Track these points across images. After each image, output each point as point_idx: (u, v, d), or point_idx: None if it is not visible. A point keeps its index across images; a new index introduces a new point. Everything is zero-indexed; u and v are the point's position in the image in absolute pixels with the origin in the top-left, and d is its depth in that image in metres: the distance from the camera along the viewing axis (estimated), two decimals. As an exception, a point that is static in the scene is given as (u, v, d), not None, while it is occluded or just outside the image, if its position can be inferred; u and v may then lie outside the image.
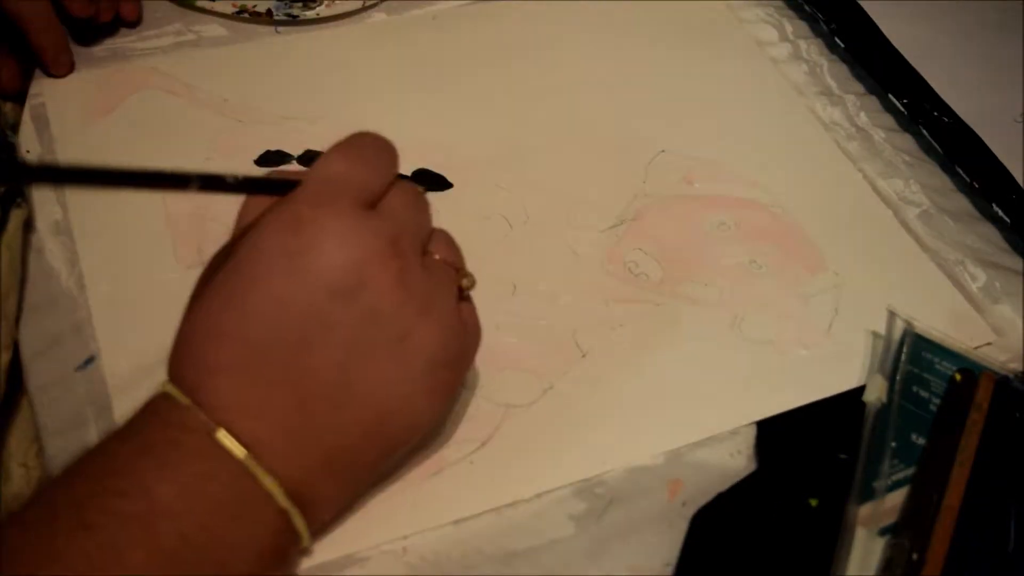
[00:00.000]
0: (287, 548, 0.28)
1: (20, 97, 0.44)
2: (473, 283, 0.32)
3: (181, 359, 0.28)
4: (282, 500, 0.26)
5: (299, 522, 0.27)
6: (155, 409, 0.27)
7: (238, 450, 0.26)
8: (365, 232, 0.27)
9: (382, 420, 0.29)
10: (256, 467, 0.26)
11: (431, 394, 0.30)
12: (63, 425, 0.33)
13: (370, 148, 0.30)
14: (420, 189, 0.31)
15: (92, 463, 0.26)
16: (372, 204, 0.29)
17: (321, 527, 0.30)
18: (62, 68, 0.45)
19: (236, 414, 0.26)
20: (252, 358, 0.27)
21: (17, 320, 0.36)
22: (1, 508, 0.31)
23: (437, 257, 0.31)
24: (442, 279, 0.30)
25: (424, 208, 0.31)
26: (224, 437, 0.26)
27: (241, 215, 0.30)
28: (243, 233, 0.28)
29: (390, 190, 0.29)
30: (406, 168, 0.43)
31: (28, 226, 0.39)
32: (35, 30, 0.43)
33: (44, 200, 0.40)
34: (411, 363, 0.29)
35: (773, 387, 0.37)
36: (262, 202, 0.29)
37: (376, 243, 0.27)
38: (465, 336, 0.31)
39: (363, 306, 0.27)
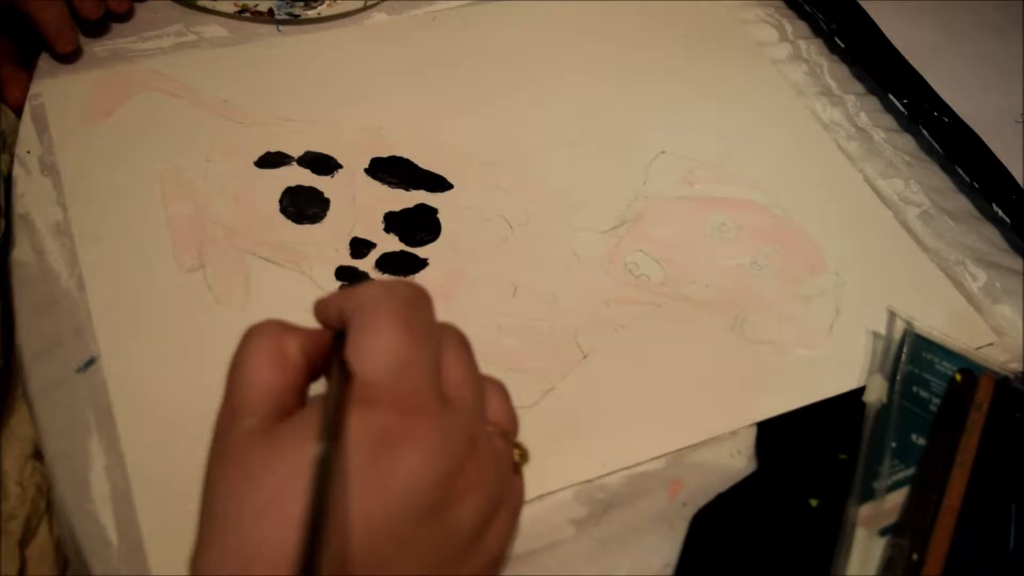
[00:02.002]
0: None
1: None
2: (526, 457, 0.28)
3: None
4: None
5: None
6: None
7: None
8: (449, 435, 0.24)
9: None
10: None
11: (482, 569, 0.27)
12: (64, 427, 0.33)
13: (420, 308, 0.26)
14: (466, 339, 0.28)
15: None
16: (440, 386, 0.25)
17: None
18: (67, 44, 0.44)
19: None
20: None
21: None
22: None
23: (491, 429, 0.27)
24: (507, 464, 0.27)
25: (472, 357, 0.27)
26: None
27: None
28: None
29: (448, 357, 0.26)
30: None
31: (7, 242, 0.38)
32: (37, 6, 0.43)
33: (45, 201, 0.40)
34: (479, 561, 0.26)
35: (774, 388, 0.37)
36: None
37: (459, 445, 0.24)
38: (519, 513, 0.29)
39: (446, 521, 0.25)
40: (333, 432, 0.23)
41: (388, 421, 0.24)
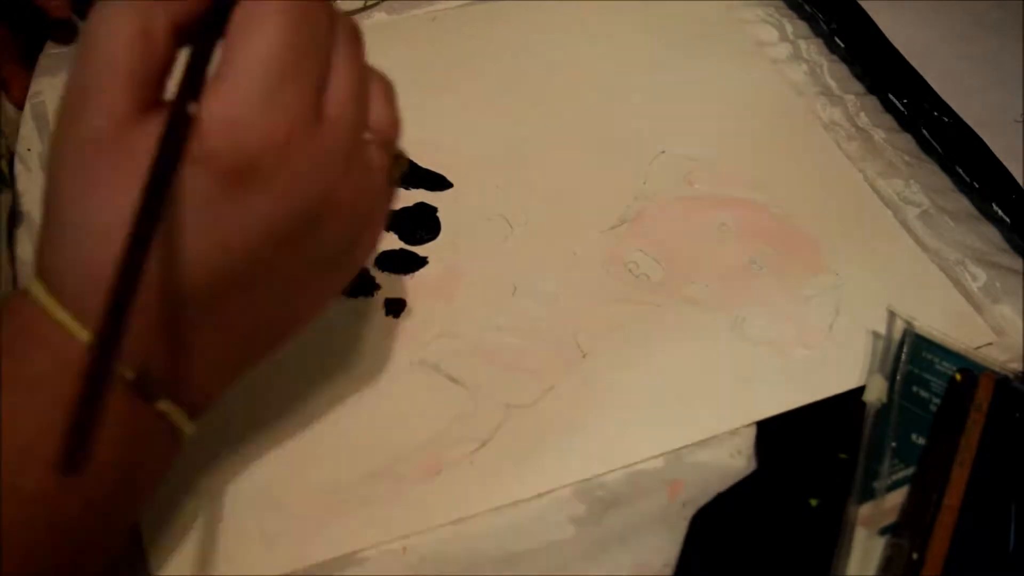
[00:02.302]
0: (176, 445, 0.26)
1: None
2: (404, 166, 0.28)
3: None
4: (180, 419, 0.25)
5: (188, 427, 0.26)
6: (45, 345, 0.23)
7: (152, 395, 0.24)
8: (321, 159, 0.23)
9: (289, 331, 0.27)
10: (174, 412, 0.24)
11: (331, 287, 0.28)
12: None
13: (313, 16, 0.23)
14: (360, 36, 0.26)
15: None
16: (321, 103, 0.23)
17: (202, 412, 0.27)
18: (60, 10, 0.43)
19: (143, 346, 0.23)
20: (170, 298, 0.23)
21: None
22: None
23: (369, 137, 0.26)
24: (379, 176, 0.26)
25: (362, 55, 0.25)
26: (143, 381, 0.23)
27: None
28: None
29: (335, 66, 0.24)
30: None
31: (14, 219, 0.38)
32: None
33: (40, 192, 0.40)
34: (344, 274, 0.27)
35: (774, 387, 0.37)
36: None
37: (329, 175, 0.24)
38: (385, 221, 0.28)
39: (311, 244, 0.24)
40: (168, 166, 0.20)
41: (251, 150, 0.22)
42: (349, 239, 0.26)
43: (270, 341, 0.27)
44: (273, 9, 0.22)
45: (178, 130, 0.21)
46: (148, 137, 0.21)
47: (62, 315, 0.23)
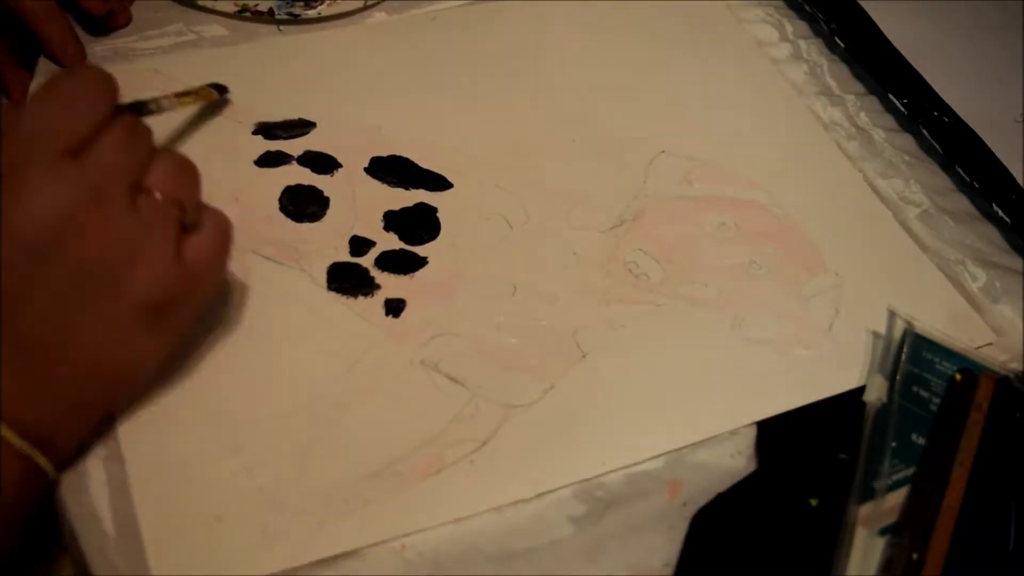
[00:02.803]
0: (35, 484, 0.29)
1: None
2: (195, 220, 0.31)
3: None
4: (20, 444, 0.28)
5: (42, 460, 0.29)
6: None
7: None
8: (64, 184, 0.27)
9: (102, 364, 0.30)
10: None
11: (152, 333, 0.30)
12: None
13: (78, 89, 0.29)
14: (136, 120, 0.31)
15: None
16: (78, 150, 0.28)
17: (68, 457, 0.31)
18: (72, 58, 0.45)
19: None
20: None
21: None
22: None
23: (157, 195, 0.30)
24: (156, 219, 0.30)
25: (140, 142, 0.31)
26: None
27: None
28: None
29: (102, 130, 0.29)
30: (407, 166, 0.43)
31: None
32: (39, 21, 0.43)
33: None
34: (124, 308, 0.29)
35: (774, 388, 0.37)
36: None
37: (76, 194, 0.28)
38: (186, 274, 0.31)
39: (67, 261, 0.28)
40: None
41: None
42: (111, 259, 0.29)
43: (90, 370, 0.30)
44: (47, 88, 0.29)
45: None
46: None
47: None
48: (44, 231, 0.27)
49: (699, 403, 0.36)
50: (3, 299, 0.27)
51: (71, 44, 0.44)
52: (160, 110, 0.36)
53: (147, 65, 0.46)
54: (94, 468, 0.32)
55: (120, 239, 0.29)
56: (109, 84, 0.30)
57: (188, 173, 0.32)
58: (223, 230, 0.33)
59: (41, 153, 0.27)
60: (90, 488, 0.32)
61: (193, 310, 0.32)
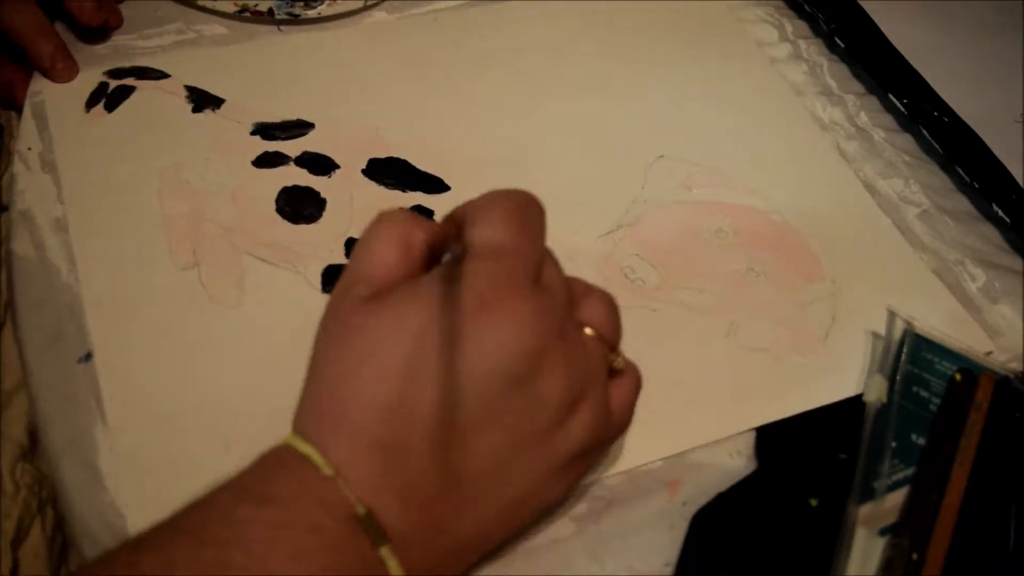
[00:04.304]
0: None
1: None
2: (624, 363, 0.30)
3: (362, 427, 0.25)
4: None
5: None
6: (289, 471, 0.25)
7: (379, 538, 0.24)
8: (541, 314, 0.26)
9: (519, 505, 0.28)
10: (391, 558, 0.24)
11: (566, 479, 0.29)
12: (69, 416, 0.33)
13: (531, 212, 0.28)
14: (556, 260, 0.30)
15: (214, 519, 0.25)
16: (538, 277, 0.27)
17: None
18: (62, 74, 0.44)
19: (381, 494, 0.25)
20: (410, 438, 0.25)
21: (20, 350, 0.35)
22: None
23: (590, 332, 0.29)
24: (598, 361, 0.28)
25: (566, 275, 0.29)
26: (367, 520, 0.24)
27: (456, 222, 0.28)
28: (402, 289, 0.26)
29: (545, 257, 0.28)
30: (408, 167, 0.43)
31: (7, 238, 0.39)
32: (30, 39, 0.43)
33: (45, 197, 0.40)
34: (558, 452, 0.27)
35: (769, 395, 0.37)
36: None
37: (550, 326, 0.26)
38: (611, 423, 0.29)
39: (531, 393, 0.26)
40: (452, 277, 0.26)
41: (485, 291, 0.25)
42: (566, 399, 0.27)
43: (502, 512, 0.27)
44: (496, 212, 0.28)
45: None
46: (397, 293, 0.26)
47: (307, 448, 0.25)
48: (524, 360, 0.25)
49: (695, 410, 0.36)
50: (464, 422, 0.25)
51: (61, 60, 0.44)
52: None
53: (147, 63, 0.46)
54: (105, 462, 0.32)
55: (575, 379, 0.27)
56: (543, 211, 0.29)
57: (616, 311, 0.30)
58: (638, 377, 0.31)
59: (519, 278, 0.26)
60: (105, 484, 0.32)
61: (599, 457, 0.31)
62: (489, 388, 0.25)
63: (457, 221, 0.29)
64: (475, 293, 0.25)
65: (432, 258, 0.28)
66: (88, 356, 0.35)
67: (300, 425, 0.27)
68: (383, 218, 0.28)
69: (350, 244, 0.40)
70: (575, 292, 0.29)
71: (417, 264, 0.28)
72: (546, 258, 0.28)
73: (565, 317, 0.27)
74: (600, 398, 0.28)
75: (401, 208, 0.29)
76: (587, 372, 0.28)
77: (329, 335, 0.27)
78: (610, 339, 0.29)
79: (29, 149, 0.42)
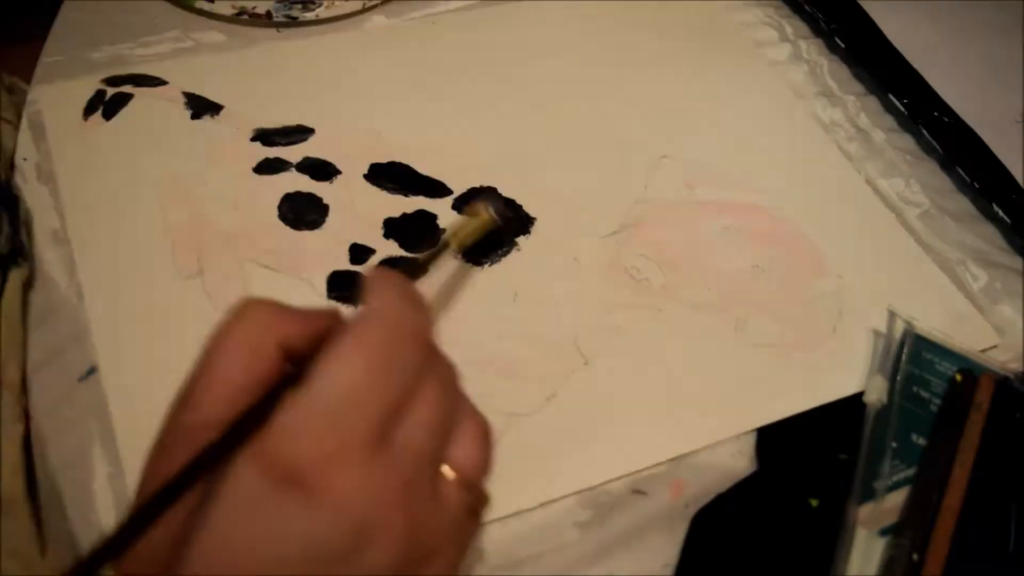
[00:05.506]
0: None
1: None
2: (484, 504, 0.26)
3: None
4: None
5: None
6: None
7: None
8: (375, 483, 0.23)
9: None
10: None
11: None
12: (67, 437, 0.33)
13: (406, 335, 0.24)
14: (450, 371, 0.26)
15: None
16: (394, 426, 0.23)
17: None
18: None
19: None
20: None
21: (25, 387, 0.35)
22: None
23: (452, 476, 0.25)
24: (453, 512, 0.25)
25: (449, 402, 0.25)
26: None
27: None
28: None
29: (414, 396, 0.24)
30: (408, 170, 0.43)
31: (29, 285, 0.38)
32: None
33: (42, 209, 0.40)
34: None
35: (777, 391, 0.37)
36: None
37: (385, 494, 0.23)
38: (462, 555, 0.27)
39: (362, 567, 0.23)
40: (223, 447, 0.22)
41: (298, 459, 0.22)
42: (400, 567, 0.24)
43: None
44: (360, 342, 0.23)
45: (243, 425, 0.23)
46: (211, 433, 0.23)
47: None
48: (346, 539, 0.22)
49: (701, 408, 0.36)
50: None
51: None
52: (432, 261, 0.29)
53: (145, 71, 0.46)
54: (101, 487, 0.32)
55: (423, 541, 0.24)
56: (428, 321, 0.25)
57: (490, 448, 0.26)
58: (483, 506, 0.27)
59: (353, 441, 0.22)
60: (97, 507, 0.32)
61: None
62: (289, 567, 0.22)
63: (333, 316, 0.25)
64: (287, 464, 0.22)
65: (298, 352, 0.25)
66: (91, 371, 0.35)
67: None
68: (234, 317, 0.24)
69: (354, 250, 0.40)
70: (454, 421, 0.25)
71: (267, 374, 0.24)
72: (421, 394, 0.24)
73: (417, 472, 0.24)
74: (453, 558, 0.26)
75: (261, 300, 0.24)
76: (436, 530, 0.25)
77: (149, 466, 0.24)
78: (477, 480, 0.26)
79: (25, 160, 0.42)
